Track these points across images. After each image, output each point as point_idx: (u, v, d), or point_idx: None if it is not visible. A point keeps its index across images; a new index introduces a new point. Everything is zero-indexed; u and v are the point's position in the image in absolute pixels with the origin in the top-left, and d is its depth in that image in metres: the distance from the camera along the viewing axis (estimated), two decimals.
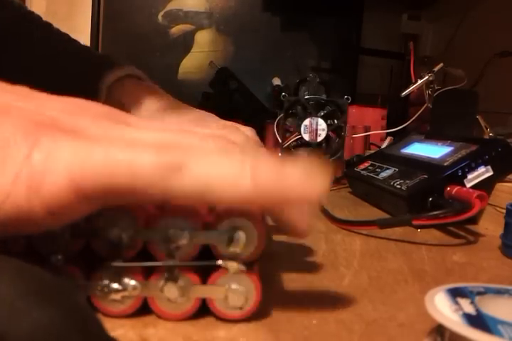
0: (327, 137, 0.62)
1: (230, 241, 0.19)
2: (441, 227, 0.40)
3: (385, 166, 0.51)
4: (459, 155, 0.43)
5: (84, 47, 0.54)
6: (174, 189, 0.16)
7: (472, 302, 0.18)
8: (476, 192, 0.35)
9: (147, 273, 0.20)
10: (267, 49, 1.44)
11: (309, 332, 0.20)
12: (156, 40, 1.44)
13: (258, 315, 0.20)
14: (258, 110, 1.04)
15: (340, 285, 0.26)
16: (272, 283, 0.25)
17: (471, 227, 0.40)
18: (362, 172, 0.54)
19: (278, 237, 0.34)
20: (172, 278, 0.19)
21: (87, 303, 0.15)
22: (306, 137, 0.62)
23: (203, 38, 1.46)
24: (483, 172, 0.41)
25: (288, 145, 0.63)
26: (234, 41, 1.46)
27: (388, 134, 0.87)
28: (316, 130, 0.62)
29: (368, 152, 0.75)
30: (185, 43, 1.46)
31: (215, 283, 0.19)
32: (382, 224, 0.35)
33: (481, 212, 0.39)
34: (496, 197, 0.41)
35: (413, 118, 0.82)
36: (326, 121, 0.62)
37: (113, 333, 0.16)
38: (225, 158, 0.17)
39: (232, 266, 0.19)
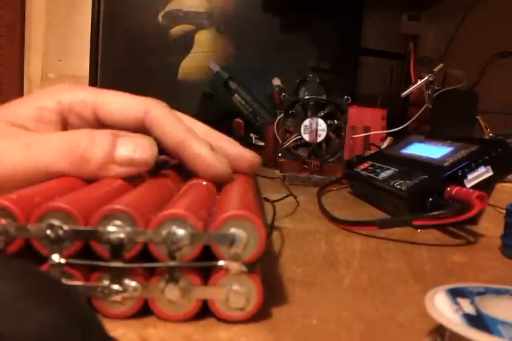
0: (327, 137, 0.62)
1: (231, 242, 0.19)
2: (441, 227, 0.40)
3: (385, 166, 0.51)
4: (459, 156, 0.43)
5: None
6: None
7: (472, 303, 0.18)
8: (476, 193, 0.35)
9: (148, 275, 0.20)
10: (267, 49, 1.44)
11: (309, 332, 0.20)
12: (156, 40, 1.44)
13: (258, 315, 0.20)
14: (258, 110, 1.04)
15: (340, 286, 0.26)
16: (272, 283, 0.25)
17: (471, 227, 0.40)
18: (362, 172, 0.54)
19: (278, 237, 0.34)
20: (173, 279, 0.19)
21: (87, 303, 0.15)
22: (306, 137, 0.62)
23: (203, 39, 1.46)
24: (483, 173, 0.41)
25: (288, 145, 0.63)
26: (234, 41, 1.46)
27: (388, 134, 0.87)
28: (316, 130, 0.62)
29: (368, 152, 0.75)
30: (185, 43, 1.46)
31: (216, 284, 0.19)
32: (382, 225, 0.35)
33: (481, 213, 0.39)
34: (496, 197, 0.41)
35: (413, 119, 0.82)
36: (325, 122, 0.62)
37: (113, 333, 0.16)
38: None
39: (234, 266, 0.19)
